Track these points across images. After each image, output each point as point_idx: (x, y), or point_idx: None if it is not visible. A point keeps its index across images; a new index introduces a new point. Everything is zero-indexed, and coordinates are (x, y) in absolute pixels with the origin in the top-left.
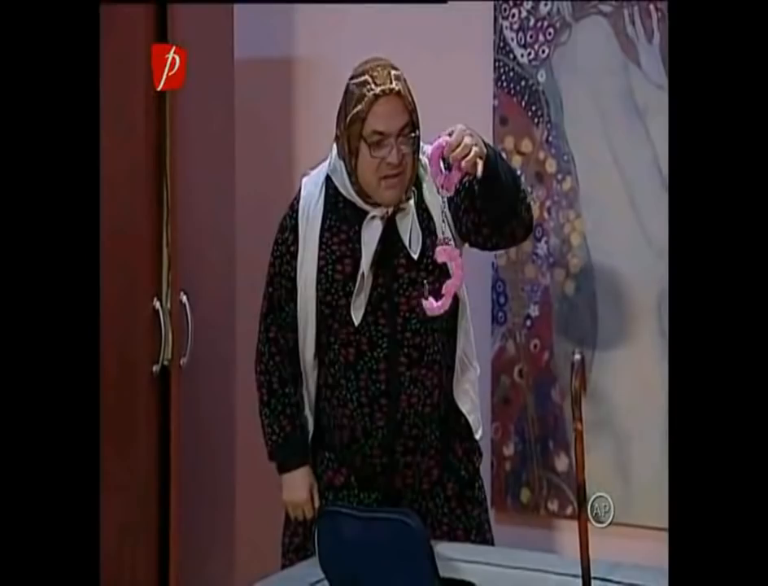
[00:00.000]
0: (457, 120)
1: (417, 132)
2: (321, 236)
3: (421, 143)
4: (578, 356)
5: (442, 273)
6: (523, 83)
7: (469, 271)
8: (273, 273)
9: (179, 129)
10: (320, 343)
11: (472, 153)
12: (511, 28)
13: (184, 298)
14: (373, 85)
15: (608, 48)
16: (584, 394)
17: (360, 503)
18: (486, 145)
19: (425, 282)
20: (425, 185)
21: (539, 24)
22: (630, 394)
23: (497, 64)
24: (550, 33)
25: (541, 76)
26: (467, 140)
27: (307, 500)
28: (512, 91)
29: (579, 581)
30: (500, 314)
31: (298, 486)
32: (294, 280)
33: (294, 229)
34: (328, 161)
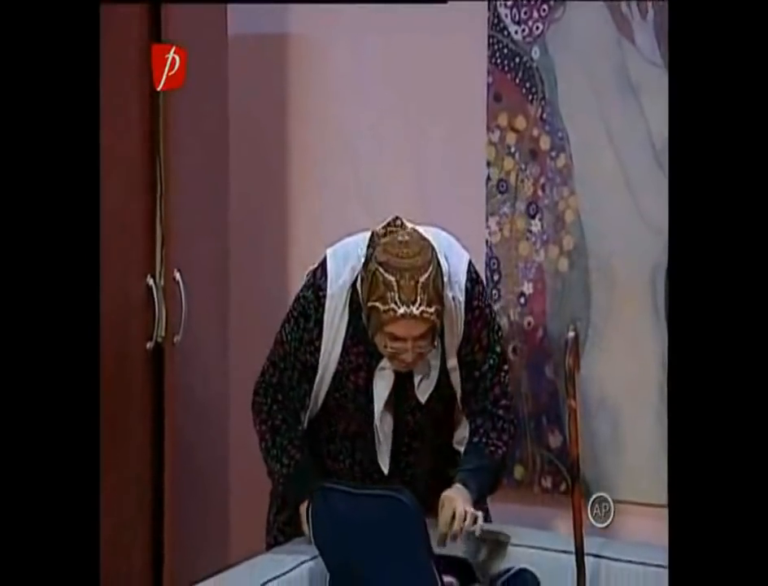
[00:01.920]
0: (452, 96)
1: (437, 328)
2: (345, 342)
3: (447, 273)
4: (571, 334)
5: (449, 415)
6: (517, 60)
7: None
8: (288, 351)
9: (173, 110)
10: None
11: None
12: (505, 5)
13: (177, 275)
14: (397, 300)
15: (603, 25)
16: (578, 371)
17: None
18: (473, 494)
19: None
20: (446, 330)
21: (533, 0)
22: (624, 371)
23: (491, 41)
24: (544, 10)
25: (535, 53)
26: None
27: None
28: (507, 68)
29: (573, 557)
30: (494, 292)
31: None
32: (309, 367)
33: (320, 324)
34: (356, 253)
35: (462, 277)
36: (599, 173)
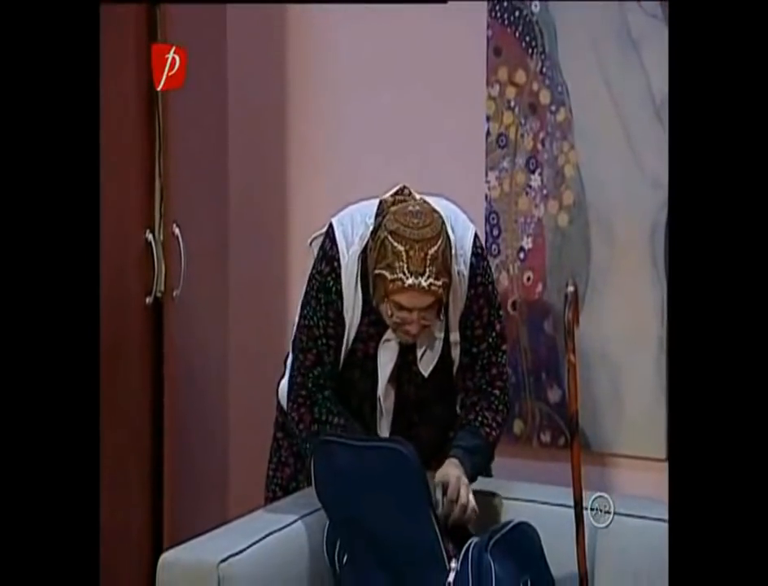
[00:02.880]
0: (451, 50)
1: (443, 300)
2: (361, 311)
3: (453, 245)
4: (571, 288)
5: (450, 389)
6: (517, 13)
7: (461, 203)
8: (318, 334)
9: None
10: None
11: (468, 512)
12: None
13: (176, 230)
14: (405, 270)
15: None
16: (577, 325)
17: None
18: (468, 472)
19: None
20: (450, 311)
21: None
22: (623, 325)
23: None
24: None
25: (535, 7)
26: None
27: None
28: (506, 22)
29: (572, 511)
30: (494, 246)
31: None
32: (340, 340)
33: (340, 294)
34: (362, 221)
35: (467, 251)
36: (599, 128)
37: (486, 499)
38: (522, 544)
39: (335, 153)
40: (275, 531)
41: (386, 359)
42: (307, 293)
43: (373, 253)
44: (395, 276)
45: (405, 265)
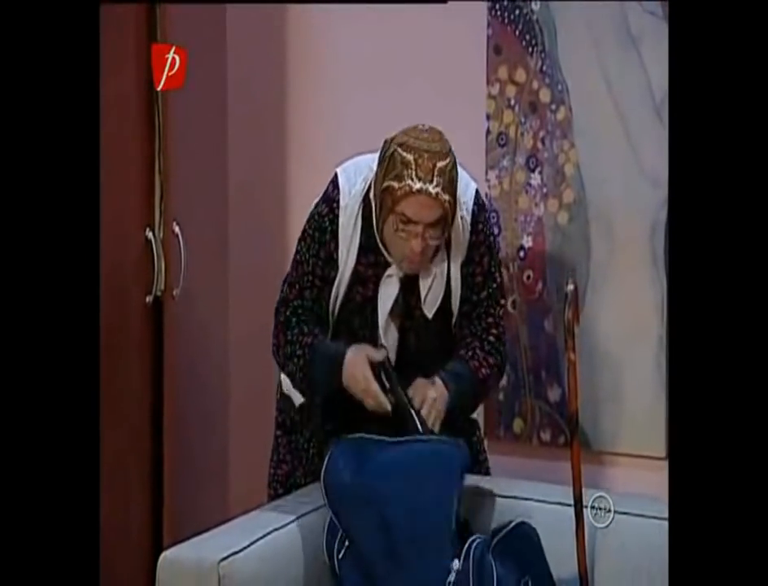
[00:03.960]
0: (451, 49)
1: (447, 223)
2: (358, 253)
3: (461, 198)
4: (571, 287)
5: (450, 340)
6: (517, 12)
7: None
8: (307, 270)
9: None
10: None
11: (432, 417)
12: None
13: (176, 228)
14: (414, 176)
15: None
16: (577, 324)
17: None
18: (452, 395)
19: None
20: (452, 244)
21: None
22: (623, 323)
23: None
24: None
25: (535, 5)
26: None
27: (371, 382)
28: (507, 20)
29: (572, 509)
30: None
31: (357, 374)
32: (328, 282)
33: (335, 235)
34: (367, 165)
35: (470, 201)
36: (599, 126)
37: (486, 497)
38: (523, 544)
39: (335, 152)
40: (276, 530)
41: (387, 295)
42: (303, 231)
43: (381, 168)
44: (403, 183)
45: (413, 172)
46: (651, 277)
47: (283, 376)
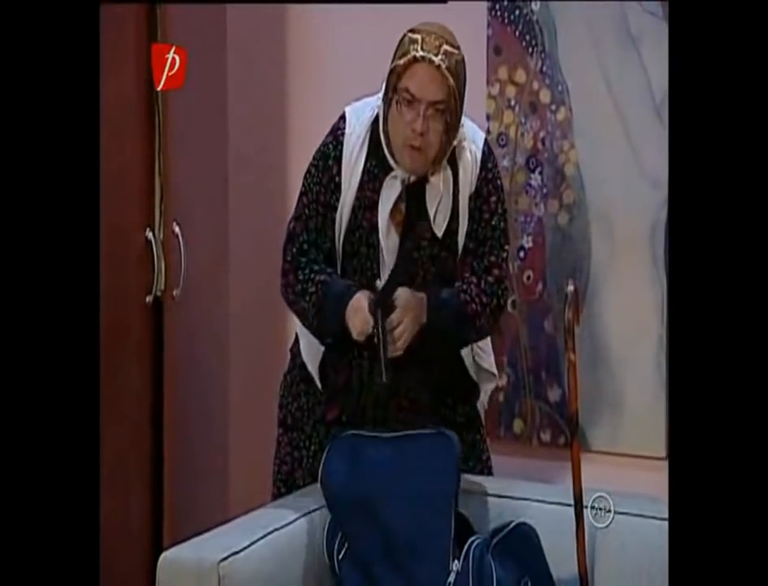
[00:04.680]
0: None
1: (451, 115)
2: (362, 178)
3: (466, 130)
4: (571, 287)
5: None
6: (517, 12)
7: None
8: (311, 199)
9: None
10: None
11: (399, 343)
12: None
13: (177, 228)
14: (419, 48)
15: None
16: (577, 324)
17: None
18: (431, 314)
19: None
20: (461, 171)
21: None
22: (623, 324)
23: None
24: None
25: (535, 5)
26: (401, 327)
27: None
28: (507, 20)
29: (572, 510)
30: None
31: (361, 301)
32: (331, 207)
33: (339, 161)
34: (377, 98)
35: (480, 142)
36: (599, 126)
37: (486, 497)
38: (523, 544)
39: None
40: (276, 530)
41: (387, 196)
42: (309, 164)
43: (392, 61)
44: (408, 55)
45: (419, 45)
46: (651, 277)
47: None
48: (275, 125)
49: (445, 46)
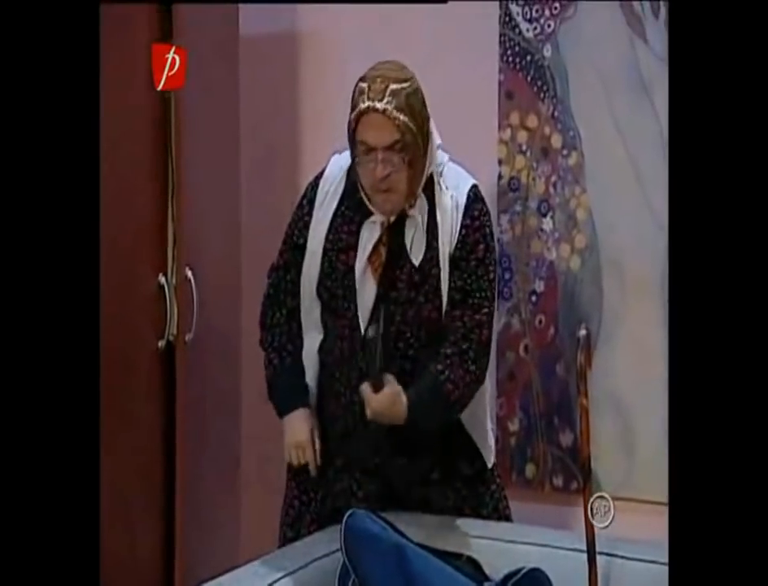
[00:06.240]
0: (463, 94)
1: (412, 149)
2: (333, 220)
3: (441, 157)
4: (583, 332)
5: (439, 290)
6: (529, 58)
7: None
8: (287, 235)
9: (184, 110)
10: (322, 319)
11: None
12: (516, 3)
13: (189, 273)
14: (365, 98)
15: (614, 23)
16: (589, 369)
17: (359, 487)
18: (410, 403)
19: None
20: (437, 201)
21: None
22: (635, 368)
23: (502, 39)
24: (556, 8)
25: (547, 51)
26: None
27: (308, 440)
28: (518, 66)
29: (584, 556)
30: (505, 289)
31: (297, 428)
32: (302, 248)
33: (311, 202)
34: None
35: (465, 188)
36: (610, 171)
37: (498, 543)
38: None
39: None
40: (288, 574)
41: (366, 238)
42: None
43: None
44: (357, 107)
45: (366, 95)
46: (662, 320)
47: None
48: (287, 165)
49: (391, 87)
